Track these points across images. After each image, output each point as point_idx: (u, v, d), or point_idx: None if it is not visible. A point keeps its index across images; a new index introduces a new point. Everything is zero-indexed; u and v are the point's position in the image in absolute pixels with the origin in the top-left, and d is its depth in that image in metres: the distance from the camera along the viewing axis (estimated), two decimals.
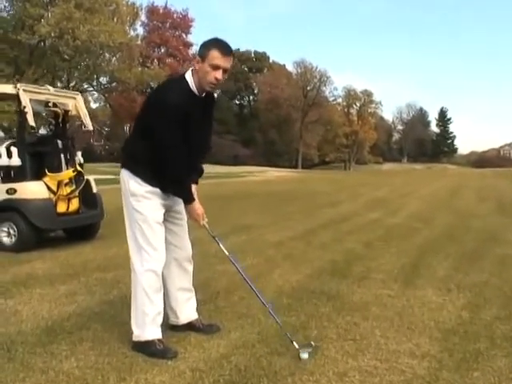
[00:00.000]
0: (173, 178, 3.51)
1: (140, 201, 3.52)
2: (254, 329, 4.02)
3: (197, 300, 4.06)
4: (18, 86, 7.00)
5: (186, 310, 3.93)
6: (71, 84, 46.60)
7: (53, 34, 37.02)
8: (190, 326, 3.92)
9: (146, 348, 3.49)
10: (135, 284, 3.57)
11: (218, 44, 3.37)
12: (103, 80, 50.48)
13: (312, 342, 3.53)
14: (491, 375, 3.23)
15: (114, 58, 46.51)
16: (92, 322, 4.12)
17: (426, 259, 6.87)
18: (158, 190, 3.53)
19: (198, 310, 4.03)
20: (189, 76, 3.46)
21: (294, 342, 3.49)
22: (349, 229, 9.82)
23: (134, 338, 3.57)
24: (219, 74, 3.35)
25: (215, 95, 3.81)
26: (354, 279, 5.70)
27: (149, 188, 3.51)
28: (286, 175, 44.23)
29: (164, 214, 3.63)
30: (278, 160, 75.89)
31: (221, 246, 3.85)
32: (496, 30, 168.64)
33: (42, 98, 7.34)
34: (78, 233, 7.81)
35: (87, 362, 3.35)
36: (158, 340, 3.54)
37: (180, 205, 3.73)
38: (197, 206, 3.63)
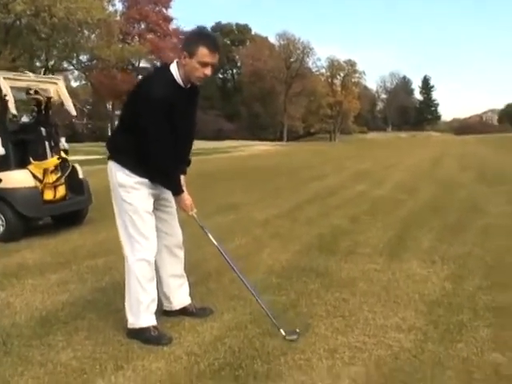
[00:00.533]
0: (160, 171, 3.55)
1: (129, 192, 3.56)
2: (246, 310, 4.11)
3: (189, 283, 4.13)
4: None
5: (179, 296, 4.01)
6: (50, 63, 45.93)
7: (28, 12, 36.23)
8: (183, 311, 4.00)
9: (140, 335, 3.57)
10: (128, 273, 3.64)
11: (206, 40, 3.38)
12: (83, 58, 49.76)
13: (297, 329, 3.60)
14: (474, 346, 3.37)
15: (93, 35, 45.72)
16: (86, 311, 4.18)
17: (411, 232, 7.01)
18: (146, 181, 3.58)
19: (190, 293, 4.10)
20: (174, 68, 3.47)
21: (281, 330, 3.55)
22: (335, 203, 9.94)
23: (129, 326, 3.65)
24: (208, 71, 3.39)
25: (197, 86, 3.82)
26: (341, 255, 5.82)
27: (137, 179, 3.56)
28: (271, 149, 44.21)
29: (153, 203, 3.69)
30: (263, 133, 75.70)
31: (209, 235, 3.90)
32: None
33: (23, 84, 7.28)
34: (65, 219, 7.81)
35: (84, 352, 3.42)
36: (153, 326, 3.62)
37: (168, 193, 3.77)
38: (185, 196, 3.67)
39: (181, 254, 4.00)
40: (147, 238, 3.59)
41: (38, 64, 45.32)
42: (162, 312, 3.97)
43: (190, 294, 4.11)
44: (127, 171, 3.56)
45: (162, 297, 3.96)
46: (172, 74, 3.46)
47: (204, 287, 4.70)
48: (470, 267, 5.23)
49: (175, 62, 3.49)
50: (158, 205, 3.77)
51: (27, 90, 7.21)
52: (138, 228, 3.56)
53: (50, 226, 7.80)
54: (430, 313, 3.98)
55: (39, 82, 7.59)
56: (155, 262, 3.73)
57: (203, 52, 3.32)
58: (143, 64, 63.21)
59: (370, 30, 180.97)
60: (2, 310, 4.26)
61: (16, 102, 7.08)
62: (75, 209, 7.73)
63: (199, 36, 3.47)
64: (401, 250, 6.02)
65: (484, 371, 3.02)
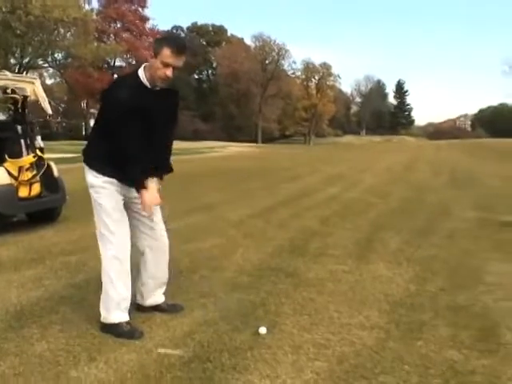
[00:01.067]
0: (123, 166, 3.58)
1: (98, 192, 3.70)
2: (216, 307, 4.24)
3: None
4: None
5: (154, 296, 4.12)
6: (25, 60, 45.55)
7: (4, 9, 36.01)
8: (155, 307, 4.11)
9: (113, 329, 3.68)
10: (102, 269, 3.76)
11: (171, 43, 3.49)
12: (58, 56, 49.48)
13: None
14: (433, 343, 3.54)
15: (69, 33, 45.53)
16: (60, 306, 4.26)
17: (380, 234, 7.21)
18: (114, 180, 3.68)
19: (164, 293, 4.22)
20: (141, 71, 3.59)
21: None
22: (307, 205, 10.12)
23: (102, 319, 3.76)
24: (169, 72, 3.49)
25: (177, 91, 3.92)
26: (311, 256, 5.97)
27: (104, 178, 3.67)
28: (246, 150, 44.41)
29: (128, 204, 3.80)
30: (238, 134, 75.91)
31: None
32: (450, 3, 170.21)
33: (1, 83, 7.33)
34: (40, 216, 7.86)
35: (58, 344, 3.52)
36: (125, 322, 3.74)
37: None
38: (146, 196, 3.63)
39: (163, 256, 4.05)
40: (116, 235, 3.69)
41: (12, 61, 44.90)
42: (135, 306, 4.08)
43: (164, 293, 4.23)
44: (95, 172, 3.70)
45: (137, 291, 4.07)
46: (138, 77, 3.57)
47: (175, 285, 4.77)
48: (434, 269, 5.43)
49: (143, 65, 3.63)
50: (131, 205, 3.86)
51: (4, 89, 7.27)
52: (107, 225, 3.68)
53: (24, 223, 7.83)
54: (392, 312, 4.15)
55: (16, 81, 7.64)
56: (140, 259, 3.87)
57: (166, 53, 3.43)
58: (119, 63, 63.05)
59: (345, 32, 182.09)
60: None
61: None
62: (50, 206, 7.79)
63: (166, 38, 3.62)
64: (369, 251, 6.21)
65: (440, 367, 3.19)
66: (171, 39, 3.61)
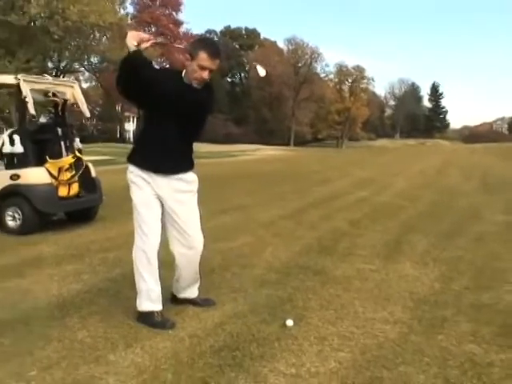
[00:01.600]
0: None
1: (131, 186, 3.99)
2: (246, 301, 4.46)
3: None
4: (19, 76, 7.31)
5: (187, 292, 4.34)
6: (62, 64, 46.52)
7: (43, 15, 36.89)
8: (188, 300, 4.34)
9: (147, 319, 3.93)
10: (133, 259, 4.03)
11: (207, 47, 3.73)
12: (94, 60, 50.38)
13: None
14: (453, 338, 3.69)
15: (105, 37, 46.36)
16: (99, 298, 4.53)
17: (408, 236, 7.32)
18: (145, 176, 3.90)
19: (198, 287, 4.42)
20: (184, 72, 3.86)
21: None
22: (337, 207, 10.27)
23: (136, 308, 4.02)
24: (205, 74, 3.74)
25: (211, 84, 4.02)
26: (339, 255, 6.15)
27: (137, 172, 3.92)
28: (278, 153, 44.52)
29: (163, 206, 3.99)
30: (271, 138, 75.98)
31: None
32: (487, 7, 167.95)
33: (42, 87, 7.67)
34: (78, 216, 8.19)
35: (97, 332, 3.78)
36: (157, 312, 3.96)
37: (167, 192, 3.95)
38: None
39: (193, 263, 4.16)
40: (143, 229, 3.92)
41: (50, 65, 45.90)
42: (170, 297, 4.32)
43: (198, 287, 4.43)
44: (130, 167, 3.98)
45: (174, 282, 4.31)
46: (180, 71, 3.88)
47: (208, 281, 5.00)
48: (459, 270, 5.55)
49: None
50: (167, 209, 4.01)
51: (46, 93, 7.61)
52: (137, 220, 3.95)
53: (63, 222, 8.16)
54: (416, 309, 4.31)
55: (57, 85, 7.99)
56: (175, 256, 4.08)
57: (203, 56, 3.68)
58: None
59: (379, 35, 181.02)
60: (23, 296, 4.60)
61: (34, 103, 7.46)
62: (87, 206, 8.11)
63: (202, 42, 3.89)
64: (396, 252, 6.35)
65: (459, 359, 3.35)
66: (207, 43, 3.85)
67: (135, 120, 73.25)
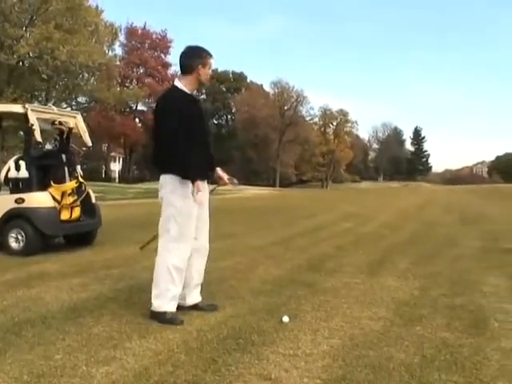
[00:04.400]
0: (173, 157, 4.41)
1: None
2: (245, 305, 4.90)
3: None
4: (27, 106, 7.83)
5: (193, 295, 4.76)
6: (49, 104, 47.03)
7: (32, 54, 37.42)
8: (194, 307, 4.74)
9: (159, 316, 4.34)
10: (161, 263, 4.44)
11: (209, 53, 4.59)
12: (81, 99, 50.91)
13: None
14: (430, 328, 4.20)
15: (93, 77, 47.09)
16: (108, 303, 4.91)
17: (390, 257, 7.83)
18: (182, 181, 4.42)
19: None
20: (179, 83, 4.56)
21: None
22: (324, 236, 10.77)
23: (153, 308, 4.42)
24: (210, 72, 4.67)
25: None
26: (327, 271, 6.62)
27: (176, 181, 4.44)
28: (265, 193, 45.12)
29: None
30: (256, 179, 76.78)
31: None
32: (468, 51, 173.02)
33: (47, 116, 8.18)
34: (77, 239, 8.58)
35: (112, 327, 4.17)
36: (171, 312, 4.40)
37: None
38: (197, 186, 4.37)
39: (203, 258, 4.79)
40: (186, 237, 4.49)
41: (36, 104, 46.30)
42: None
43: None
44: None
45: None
46: (179, 89, 4.54)
47: (207, 291, 5.37)
48: (437, 282, 6.06)
49: (177, 78, 4.69)
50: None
51: (53, 121, 8.11)
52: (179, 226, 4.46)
53: (63, 245, 8.55)
54: (397, 309, 4.82)
55: (61, 114, 8.51)
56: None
57: (211, 61, 4.60)
58: (141, 107, 64.70)
59: (362, 80, 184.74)
60: (34, 302, 4.96)
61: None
62: (88, 229, 8.53)
63: (203, 51, 4.59)
64: (379, 269, 6.84)
65: (434, 342, 3.85)
66: (205, 50, 4.60)
67: (121, 160, 73.75)
